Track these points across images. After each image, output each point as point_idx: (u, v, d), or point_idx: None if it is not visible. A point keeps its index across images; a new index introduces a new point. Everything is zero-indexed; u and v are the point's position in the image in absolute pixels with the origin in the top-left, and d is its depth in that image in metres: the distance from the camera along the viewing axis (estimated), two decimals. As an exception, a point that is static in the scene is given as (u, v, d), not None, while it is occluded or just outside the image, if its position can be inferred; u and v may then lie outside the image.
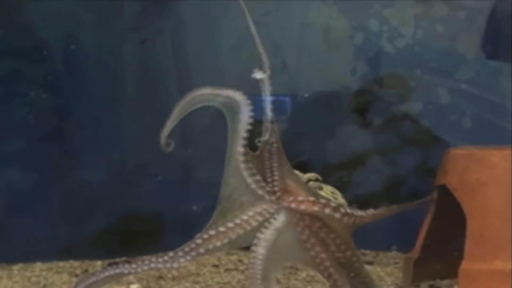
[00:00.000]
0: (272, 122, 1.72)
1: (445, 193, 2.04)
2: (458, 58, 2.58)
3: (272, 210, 1.71)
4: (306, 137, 2.58)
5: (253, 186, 1.71)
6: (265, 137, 1.71)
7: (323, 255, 1.72)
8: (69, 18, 2.57)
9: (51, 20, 2.57)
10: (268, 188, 1.71)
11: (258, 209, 1.72)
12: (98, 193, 2.59)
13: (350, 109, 2.62)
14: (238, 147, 1.73)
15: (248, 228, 1.72)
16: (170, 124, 1.79)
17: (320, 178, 1.86)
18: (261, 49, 1.71)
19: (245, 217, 1.72)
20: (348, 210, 1.73)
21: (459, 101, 2.58)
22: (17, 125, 2.57)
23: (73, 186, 2.58)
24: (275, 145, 1.72)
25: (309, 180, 1.82)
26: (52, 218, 2.56)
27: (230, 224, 1.72)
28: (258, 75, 1.71)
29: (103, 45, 2.61)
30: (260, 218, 1.71)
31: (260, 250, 1.69)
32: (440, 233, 2.13)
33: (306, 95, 2.61)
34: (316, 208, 1.70)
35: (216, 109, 2.62)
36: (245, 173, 1.72)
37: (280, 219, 1.71)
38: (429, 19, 2.57)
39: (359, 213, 1.75)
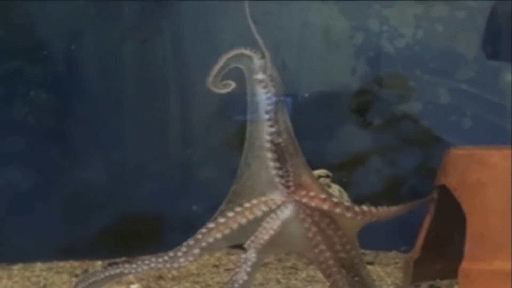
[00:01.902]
0: (276, 122, 1.70)
1: (445, 193, 2.04)
2: (458, 58, 2.58)
3: (279, 202, 1.69)
4: (306, 137, 2.57)
5: (273, 172, 1.69)
6: (269, 137, 1.70)
7: (327, 254, 1.70)
8: (69, 18, 2.57)
9: (51, 20, 2.57)
10: (282, 181, 1.69)
11: (264, 198, 1.69)
12: (98, 193, 2.59)
13: (350, 109, 2.62)
14: (266, 127, 1.70)
15: (251, 217, 1.68)
16: (216, 70, 1.72)
17: (330, 174, 1.85)
18: (265, 51, 1.70)
19: (248, 205, 1.69)
20: (365, 208, 1.72)
21: (459, 101, 2.58)
22: (17, 125, 2.57)
23: (73, 186, 2.58)
24: (282, 144, 1.70)
25: (320, 176, 1.81)
26: (52, 218, 2.56)
27: (231, 214, 1.69)
28: (259, 76, 1.71)
29: (103, 45, 2.61)
30: (265, 208, 1.68)
31: (263, 236, 1.66)
32: (440, 233, 2.13)
33: (306, 95, 2.61)
34: (326, 206, 1.68)
35: (216, 109, 2.63)
36: (269, 155, 1.69)
37: (286, 212, 1.68)
38: (429, 19, 2.57)
39: (371, 210, 1.73)
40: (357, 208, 1.71)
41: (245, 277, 1.65)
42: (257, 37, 1.71)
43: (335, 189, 1.86)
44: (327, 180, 1.84)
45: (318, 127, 2.61)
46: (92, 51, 2.60)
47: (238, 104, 2.41)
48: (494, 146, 2.08)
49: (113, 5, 2.60)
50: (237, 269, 1.66)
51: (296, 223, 1.69)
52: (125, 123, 2.65)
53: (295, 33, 2.63)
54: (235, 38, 2.50)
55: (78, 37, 2.59)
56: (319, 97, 2.62)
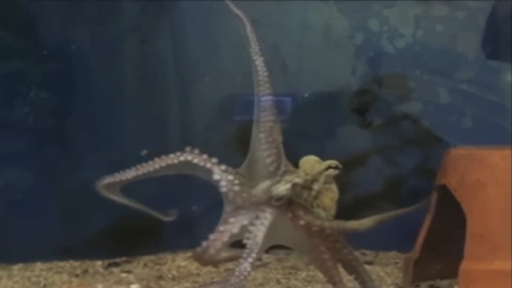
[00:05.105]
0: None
1: (445, 193, 2.04)
2: (458, 58, 2.58)
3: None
4: (306, 137, 2.58)
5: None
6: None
7: (322, 248, 1.72)
8: (69, 18, 2.57)
9: (51, 20, 2.57)
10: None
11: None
12: (98, 193, 2.59)
13: (350, 109, 2.62)
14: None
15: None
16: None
17: (340, 166, 1.85)
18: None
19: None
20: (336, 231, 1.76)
21: (459, 101, 2.58)
22: (17, 125, 2.57)
23: (73, 186, 2.57)
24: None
25: (329, 167, 1.82)
26: (52, 218, 2.56)
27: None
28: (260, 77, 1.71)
29: (103, 45, 2.61)
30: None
31: (256, 237, 1.69)
32: (440, 233, 2.13)
33: (306, 95, 2.61)
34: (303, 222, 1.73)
35: (216, 109, 2.63)
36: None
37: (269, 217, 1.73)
38: (429, 19, 2.57)
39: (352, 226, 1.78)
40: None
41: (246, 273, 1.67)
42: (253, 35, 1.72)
43: (334, 188, 1.86)
44: (335, 172, 1.84)
45: (318, 127, 2.62)
46: (92, 51, 2.60)
47: (238, 104, 2.42)
48: (494, 146, 2.08)
49: (113, 5, 2.60)
50: (237, 268, 1.67)
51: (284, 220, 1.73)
52: (125, 123, 2.65)
53: (295, 33, 2.63)
54: (236, 38, 2.50)
55: (78, 37, 2.59)
56: (319, 97, 2.62)
